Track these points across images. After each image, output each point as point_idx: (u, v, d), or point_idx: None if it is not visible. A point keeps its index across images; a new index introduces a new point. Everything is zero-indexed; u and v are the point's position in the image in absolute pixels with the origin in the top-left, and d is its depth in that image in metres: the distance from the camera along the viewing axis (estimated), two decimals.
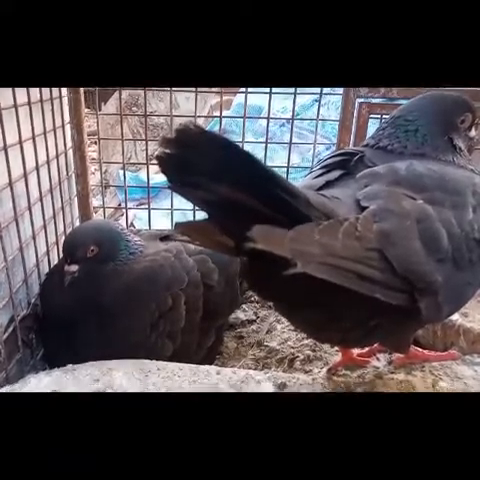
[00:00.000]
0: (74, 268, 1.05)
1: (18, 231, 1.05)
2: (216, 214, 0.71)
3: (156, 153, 0.63)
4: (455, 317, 1.13)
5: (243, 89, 1.45)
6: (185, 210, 1.53)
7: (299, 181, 1.62)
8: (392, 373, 0.99)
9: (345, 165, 0.91)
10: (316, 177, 0.91)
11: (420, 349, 1.05)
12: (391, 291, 0.73)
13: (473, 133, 1.00)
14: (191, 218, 1.48)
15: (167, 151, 0.61)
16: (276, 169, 1.54)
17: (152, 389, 0.88)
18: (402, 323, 0.84)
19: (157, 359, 1.00)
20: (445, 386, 0.91)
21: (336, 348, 1.16)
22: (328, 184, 0.87)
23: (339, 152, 0.96)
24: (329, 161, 0.94)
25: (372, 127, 1.40)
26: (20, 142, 1.04)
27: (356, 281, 0.69)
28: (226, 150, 0.64)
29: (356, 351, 1.09)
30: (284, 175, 1.53)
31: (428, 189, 0.82)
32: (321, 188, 0.86)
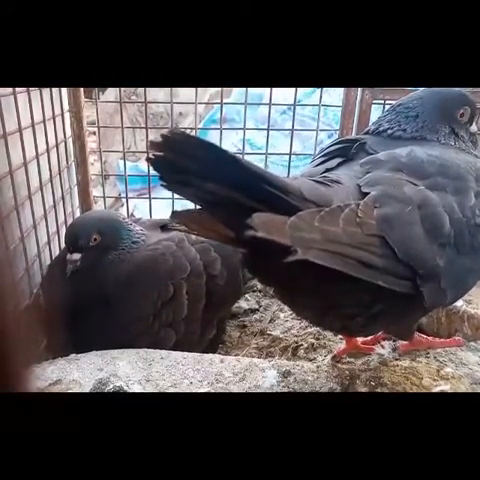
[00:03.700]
0: (76, 257, 1.04)
1: (19, 220, 1.04)
2: (211, 208, 0.71)
3: (146, 156, 0.67)
4: (459, 303, 1.12)
5: None
6: (186, 200, 1.52)
7: (300, 169, 1.62)
8: (397, 360, 0.99)
9: (346, 153, 0.91)
10: (317, 165, 0.91)
11: (424, 336, 1.05)
12: (393, 277, 0.72)
13: (474, 128, 1.00)
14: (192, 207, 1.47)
15: (156, 154, 0.64)
16: (278, 157, 1.54)
17: (156, 376, 0.88)
18: (405, 310, 0.83)
19: (160, 348, 1.00)
20: (450, 372, 0.91)
21: (340, 336, 1.16)
22: (328, 172, 0.87)
23: (340, 140, 0.96)
24: (330, 149, 0.94)
25: (375, 113, 1.38)
26: (20, 130, 1.03)
27: (357, 268, 0.68)
28: (211, 152, 0.66)
29: (360, 339, 1.09)
30: (286, 163, 1.52)
31: (429, 175, 0.82)
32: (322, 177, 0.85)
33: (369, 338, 1.09)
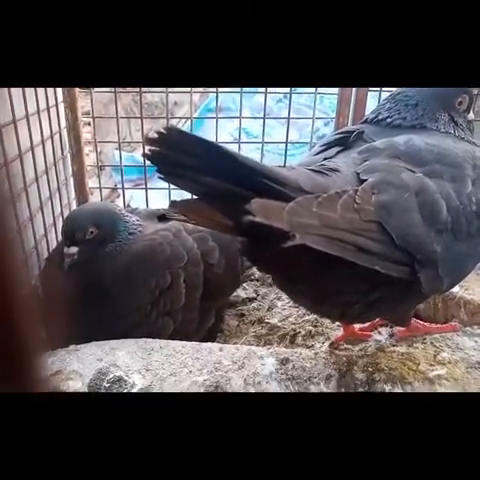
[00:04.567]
0: (74, 250, 1.04)
1: (15, 213, 1.04)
2: (208, 198, 0.72)
3: (143, 151, 0.69)
4: (456, 289, 1.13)
5: None
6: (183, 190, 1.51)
7: (297, 157, 1.62)
8: (394, 346, 1.00)
9: (344, 142, 0.91)
10: (315, 154, 0.92)
11: (421, 321, 1.06)
12: (391, 263, 0.73)
13: (471, 116, 1.01)
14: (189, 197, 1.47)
15: (152, 149, 0.66)
16: (274, 145, 1.54)
17: (156, 366, 0.89)
18: (403, 297, 0.84)
19: (158, 338, 1.01)
20: (447, 357, 0.92)
21: (337, 323, 1.17)
22: (326, 160, 0.87)
23: (339, 131, 0.97)
24: (329, 139, 0.95)
25: (371, 101, 1.38)
26: (14, 122, 1.02)
27: (355, 253, 0.69)
28: (206, 148, 0.67)
29: (357, 325, 1.10)
30: (282, 151, 1.51)
31: (427, 162, 0.82)
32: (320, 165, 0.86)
33: (366, 325, 1.10)
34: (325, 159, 0.88)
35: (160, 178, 0.71)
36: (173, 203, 0.78)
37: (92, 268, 1.05)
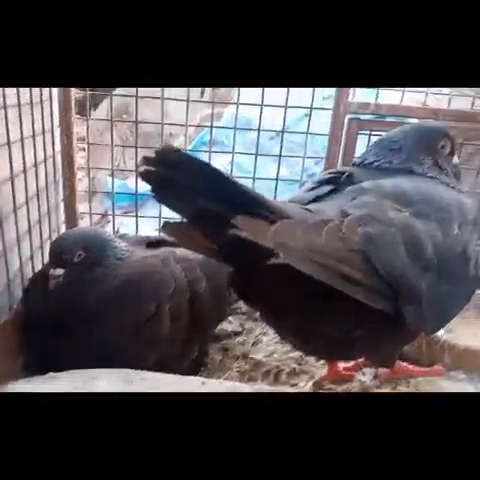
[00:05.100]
0: (59, 272, 1.03)
1: (2, 235, 1.03)
2: (197, 222, 0.74)
3: (139, 169, 0.71)
4: (440, 333, 1.14)
5: (234, 100, 1.46)
6: (173, 219, 1.52)
7: (287, 194, 1.64)
8: (377, 388, 0.99)
9: (335, 181, 0.94)
10: (307, 191, 0.95)
11: (405, 364, 1.06)
12: (374, 294, 0.74)
13: (456, 160, 1.04)
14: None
15: (148, 168, 0.69)
16: (265, 182, 1.56)
17: None
18: (388, 334, 0.84)
19: (140, 367, 0.98)
20: None
21: (322, 362, 1.16)
22: (318, 198, 0.90)
23: (330, 171, 1.01)
24: (320, 177, 0.98)
25: (361, 143, 1.42)
26: (8, 144, 1.02)
27: (338, 280, 0.70)
28: (201, 169, 0.70)
29: (342, 365, 1.09)
30: (273, 188, 1.53)
31: (413, 203, 0.85)
32: (311, 202, 0.89)
33: (351, 364, 1.10)
34: (317, 196, 0.90)
35: (154, 198, 0.74)
36: (165, 225, 0.80)
37: (77, 292, 1.04)
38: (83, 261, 1.05)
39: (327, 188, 0.92)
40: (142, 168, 0.70)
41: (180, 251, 1.15)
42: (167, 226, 0.80)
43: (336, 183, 0.93)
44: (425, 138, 1.00)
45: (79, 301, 1.04)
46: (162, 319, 1.06)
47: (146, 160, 0.69)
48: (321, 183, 0.95)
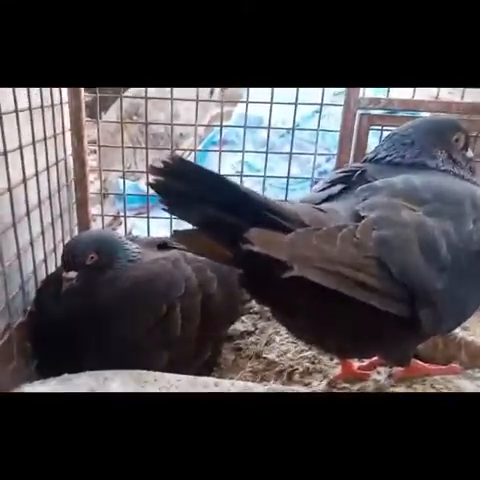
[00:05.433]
0: (72, 275, 1.04)
1: (16, 237, 1.04)
2: (208, 229, 0.73)
3: (149, 180, 0.72)
4: (456, 331, 1.12)
5: (244, 99, 1.45)
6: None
7: (298, 192, 1.63)
8: (393, 386, 0.98)
9: (347, 180, 0.92)
10: (319, 191, 0.94)
11: (421, 362, 1.04)
12: (389, 299, 0.73)
13: (470, 154, 1.02)
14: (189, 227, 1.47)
15: (156, 178, 0.68)
16: (276, 179, 1.55)
17: None
18: (403, 336, 0.83)
19: (153, 368, 0.99)
20: None
21: (336, 361, 1.15)
22: (330, 198, 0.89)
23: (342, 169, 0.99)
24: (332, 176, 0.97)
25: (372, 139, 1.40)
26: (20, 147, 1.04)
27: (353, 288, 0.69)
28: (209, 177, 0.69)
29: (356, 364, 1.08)
30: (284, 186, 1.53)
31: (426, 201, 0.83)
32: (323, 201, 0.88)
33: (365, 363, 1.08)
34: (329, 196, 0.89)
35: (163, 209, 0.73)
36: (175, 233, 0.79)
37: (89, 294, 1.05)
38: (95, 264, 1.06)
39: (339, 187, 0.91)
40: (151, 179, 0.70)
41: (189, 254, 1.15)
42: (177, 234, 0.78)
43: (348, 181, 0.92)
44: (438, 132, 0.98)
45: (91, 303, 1.04)
46: (173, 321, 1.07)
47: (154, 170, 0.68)
48: (333, 182, 0.93)
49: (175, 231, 0.79)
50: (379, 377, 1.03)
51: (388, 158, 0.96)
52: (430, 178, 0.89)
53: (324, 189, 0.93)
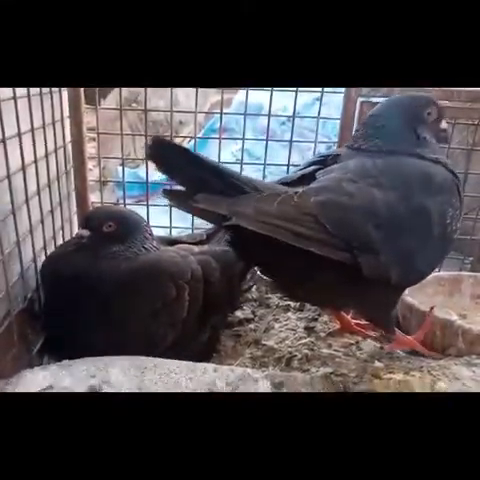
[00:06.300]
0: (86, 233, 1.06)
1: (15, 225, 1.04)
2: (193, 189, 0.87)
3: (146, 154, 0.92)
4: (454, 318, 1.13)
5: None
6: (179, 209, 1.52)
7: None
8: (390, 373, 0.99)
9: (323, 163, 1.00)
10: (295, 172, 1.03)
11: (408, 336, 1.12)
12: (329, 248, 0.84)
13: (444, 124, 1.06)
14: (189, 217, 1.48)
15: (150, 150, 0.88)
16: (276, 167, 1.55)
17: (148, 385, 0.88)
18: (362, 286, 0.91)
19: (157, 347, 1.02)
20: (444, 387, 0.91)
21: (334, 347, 1.16)
22: (303, 178, 0.97)
23: (321, 153, 1.09)
24: (311, 159, 1.06)
25: None
26: (19, 135, 1.03)
27: (290, 237, 0.82)
28: (187, 154, 0.88)
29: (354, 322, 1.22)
30: (284, 173, 1.52)
31: (371, 176, 0.91)
32: (295, 181, 0.97)
33: (362, 322, 1.21)
34: (303, 176, 0.97)
35: (157, 170, 0.91)
36: (164, 191, 0.92)
37: (95, 269, 1.05)
38: (110, 233, 1.08)
39: (312, 168, 0.98)
40: (147, 150, 0.88)
41: (196, 248, 1.21)
42: (166, 192, 0.91)
43: (323, 164, 0.99)
44: (410, 107, 1.02)
45: (97, 280, 1.05)
46: (181, 304, 1.09)
47: (147, 146, 0.88)
48: (309, 164, 1.01)
49: (164, 190, 0.92)
50: (373, 334, 1.19)
51: (363, 147, 1.00)
52: (387, 160, 0.94)
53: (300, 169, 1.01)
